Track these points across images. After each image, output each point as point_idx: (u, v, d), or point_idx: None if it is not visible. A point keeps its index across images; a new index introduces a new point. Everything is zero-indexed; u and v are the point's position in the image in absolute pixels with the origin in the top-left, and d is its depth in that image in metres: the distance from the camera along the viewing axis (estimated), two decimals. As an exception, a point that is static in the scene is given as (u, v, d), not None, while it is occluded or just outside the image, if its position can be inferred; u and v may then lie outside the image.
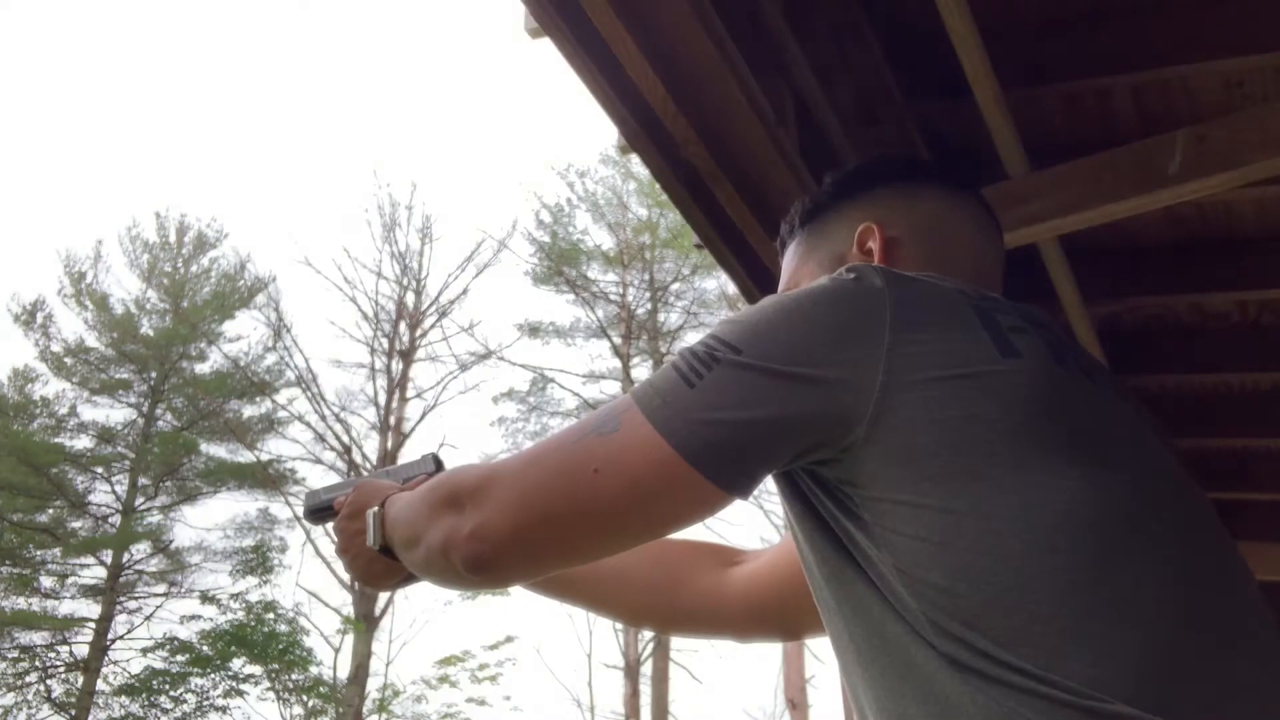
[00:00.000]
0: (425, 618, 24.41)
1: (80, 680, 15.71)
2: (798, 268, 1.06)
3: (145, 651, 15.85)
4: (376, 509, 1.01)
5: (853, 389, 0.74)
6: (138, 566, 17.15)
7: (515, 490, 0.81)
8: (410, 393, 18.29)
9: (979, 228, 1.02)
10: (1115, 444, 0.79)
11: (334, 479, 17.36)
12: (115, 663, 16.12)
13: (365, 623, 15.78)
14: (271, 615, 15.56)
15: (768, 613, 1.16)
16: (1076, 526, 0.70)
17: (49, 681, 15.73)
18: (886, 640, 0.74)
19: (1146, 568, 0.70)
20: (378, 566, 1.02)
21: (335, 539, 1.09)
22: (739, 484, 0.78)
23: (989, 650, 0.66)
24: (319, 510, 1.18)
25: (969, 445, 0.72)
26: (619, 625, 15.96)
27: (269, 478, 17.45)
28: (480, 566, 0.82)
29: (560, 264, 18.67)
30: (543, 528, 0.80)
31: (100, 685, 15.73)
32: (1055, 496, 0.71)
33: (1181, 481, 0.82)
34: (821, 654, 14.59)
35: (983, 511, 0.70)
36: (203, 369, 19.02)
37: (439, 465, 1.12)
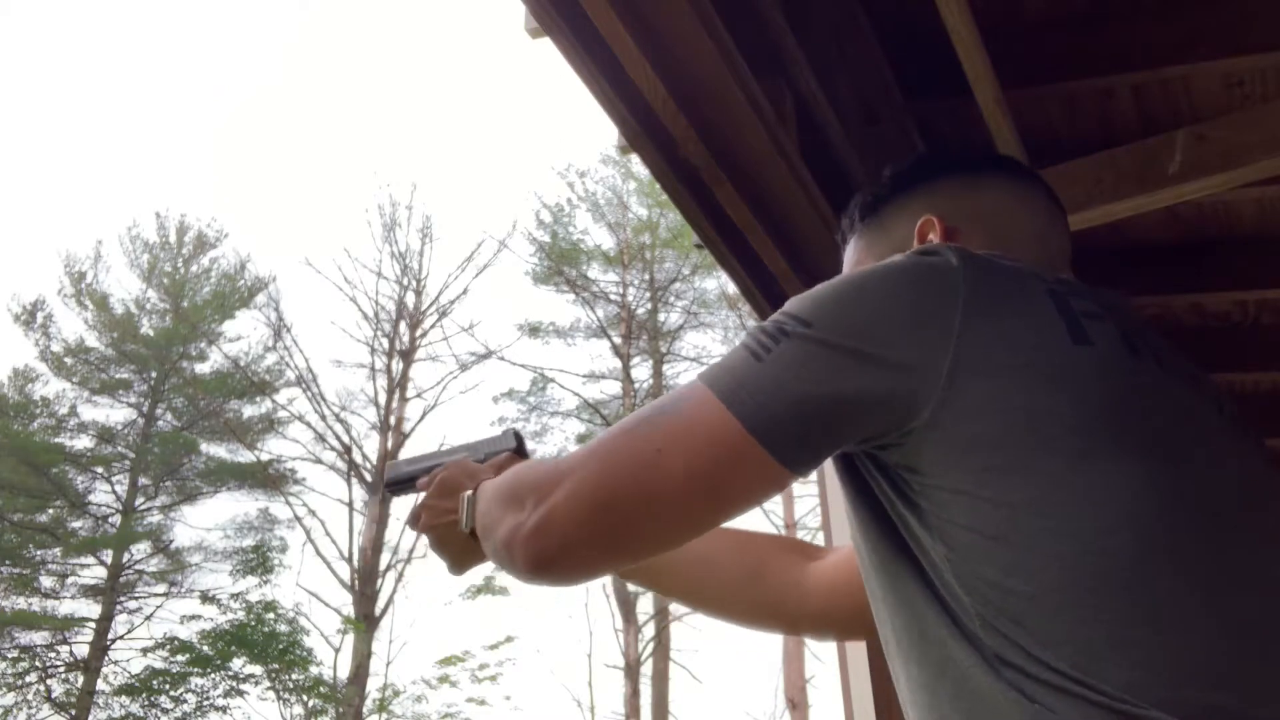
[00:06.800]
0: (425, 618, 24.44)
1: (80, 680, 15.69)
2: (858, 263, 1.03)
3: (145, 651, 15.82)
4: (470, 493, 0.99)
5: (920, 372, 0.72)
6: (138, 566, 17.13)
7: (576, 481, 0.79)
8: (410, 393, 18.29)
9: (1044, 215, 0.99)
10: (1184, 439, 0.76)
11: (335, 479, 17.48)
12: (115, 663, 16.10)
13: (365, 623, 15.77)
14: (271, 615, 15.53)
15: (848, 608, 1.12)
16: (1131, 527, 0.67)
17: (49, 681, 15.71)
18: (926, 635, 0.72)
19: (1202, 572, 0.68)
20: (470, 548, 1.01)
21: (421, 513, 1.07)
22: (802, 460, 0.76)
23: (1031, 649, 0.65)
24: (400, 482, 1.18)
25: (1032, 437, 0.70)
26: (619, 625, 15.97)
27: (269, 478, 17.45)
28: (542, 564, 0.81)
29: (560, 264, 18.66)
30: (606, 517, 0.78)
31: (100, 685, 15.72)
32: (1113, 495, 0.68)
33: (1257, 479, 0.79)
34: (822, 654, 14.58)
35: (1039, 507, 0.68)
36: (203, 369, 19.03)
37: (520, 440, 1.12)
